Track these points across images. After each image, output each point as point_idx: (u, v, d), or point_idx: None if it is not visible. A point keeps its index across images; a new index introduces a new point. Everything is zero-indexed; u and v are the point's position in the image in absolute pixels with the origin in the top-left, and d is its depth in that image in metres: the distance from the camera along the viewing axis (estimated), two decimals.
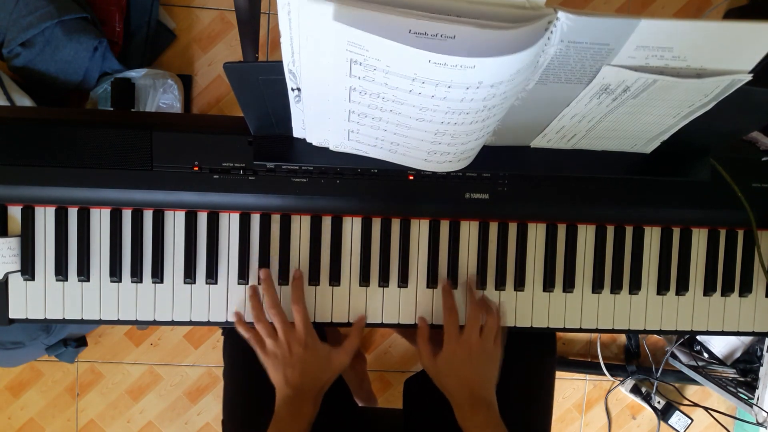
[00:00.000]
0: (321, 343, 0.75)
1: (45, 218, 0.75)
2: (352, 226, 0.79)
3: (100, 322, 0.77)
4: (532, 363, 0.86)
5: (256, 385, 0.77)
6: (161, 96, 1.32)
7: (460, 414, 0.73)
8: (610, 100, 0.59)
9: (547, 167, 0.75)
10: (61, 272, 0.75)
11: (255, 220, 0.77)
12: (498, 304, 0.80)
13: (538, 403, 0.87)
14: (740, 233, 0.84)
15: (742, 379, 1.34)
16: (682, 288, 0.83)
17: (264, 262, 0.77)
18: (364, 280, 0.79)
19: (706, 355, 1.42)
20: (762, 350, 1.22)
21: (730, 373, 1.36)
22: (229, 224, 0.77)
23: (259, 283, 0.77)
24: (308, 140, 0.70)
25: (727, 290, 0.84)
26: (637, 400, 1.58)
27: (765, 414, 1.17)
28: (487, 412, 0.73)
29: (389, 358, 1.60)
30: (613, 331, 0.85)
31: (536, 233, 0.81)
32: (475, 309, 0.77)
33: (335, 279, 0.78)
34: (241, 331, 0.75)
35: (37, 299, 0.76)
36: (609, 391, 1.62)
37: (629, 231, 0.83)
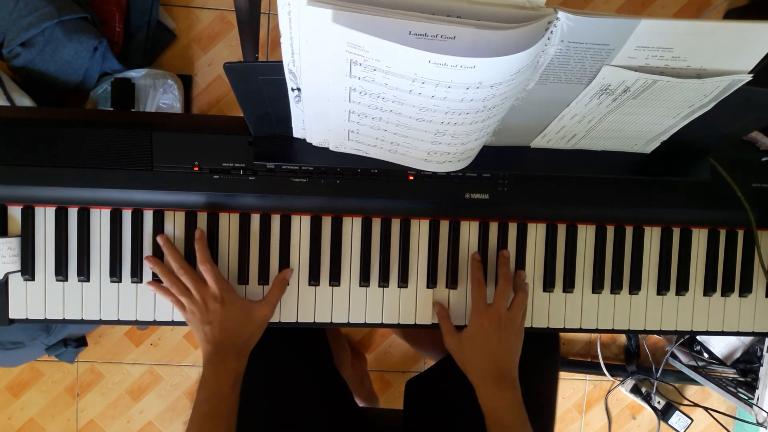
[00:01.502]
0: (240, 297, 0.75)
1: (45, 218, 0.75)
2: (352, 226, 0.79)
3: (100, 322, 0.78)
4: (536, 363, 0.86)
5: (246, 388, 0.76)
6: (161, 96, 1.32)
7: (484, 393, 0.72)
8: (610, 101, 0.59)
9: (547, 167, 0.75)
10: (61, 272, 0.75)
11: (255, 220, 0.77)
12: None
13: (541, 404, 0.86)
14: (740, 233, 0.84)
15: (742, 379, 1.34)
16: (682, 288, 0.83)
17: (264, 262, 0.78)
18: (364, 281, 0.79)
19: (706, 355, 1.42)
20: (762, 350, 1.22)
21: (730, 373, 1.36)
22: (229, 225, 0.77)
23: (154, 256, 0.76)
24: (308, 140, 0.70)
25: (727, 290, 0.84)
26: (637, 400, 1.58)
27: (765, 414, 1.17)
28: (513, 391, 0.72)
29: (389, 358, 1.60)
30: (613, 331, 0.85)
31: (536, 233, 0.81)
32: (506, 281, 0.77)
33: (335, 279, 0.78)
34: (161, 295, 0.74)
35: (37, 299, 0.76)
36: (609, 391, 1.62)
37: (629, 231, 0.82)
